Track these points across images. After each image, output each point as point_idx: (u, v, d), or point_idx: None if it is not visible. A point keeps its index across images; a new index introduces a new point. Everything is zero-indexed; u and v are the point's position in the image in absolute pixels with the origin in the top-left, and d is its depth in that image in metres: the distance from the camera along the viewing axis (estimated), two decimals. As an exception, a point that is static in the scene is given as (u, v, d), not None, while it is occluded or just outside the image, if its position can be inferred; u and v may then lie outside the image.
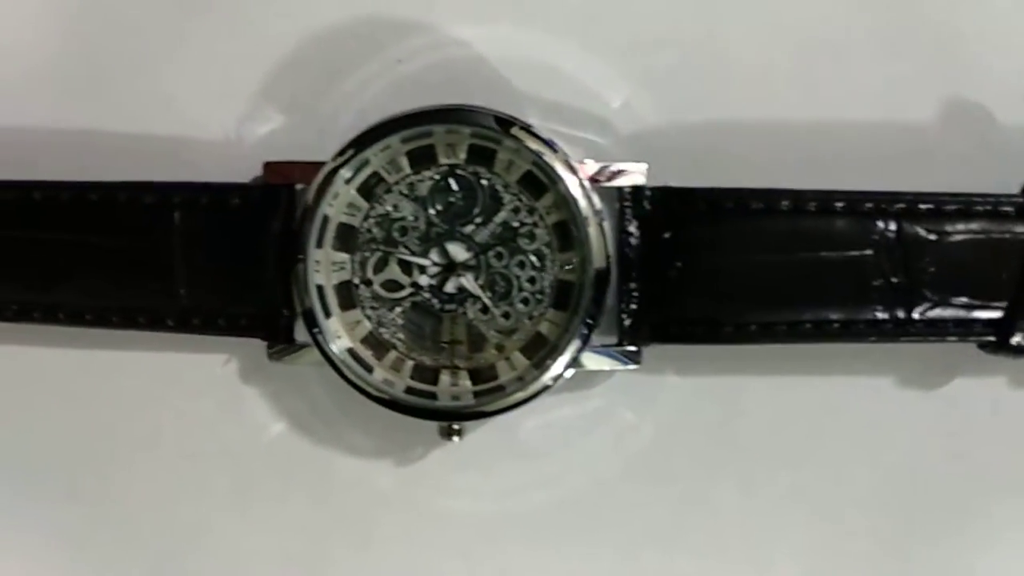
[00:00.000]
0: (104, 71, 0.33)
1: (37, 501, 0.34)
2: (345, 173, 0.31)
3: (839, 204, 0.31)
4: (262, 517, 0.34)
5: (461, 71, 0.33)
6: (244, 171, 0.32)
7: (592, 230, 0.30)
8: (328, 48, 0.33)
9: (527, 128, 0.30)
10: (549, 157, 0.30)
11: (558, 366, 0.31)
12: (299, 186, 0.31)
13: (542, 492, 0.34)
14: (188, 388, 0.34)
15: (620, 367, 0.32)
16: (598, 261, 0.31)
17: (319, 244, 0.31)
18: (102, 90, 0.33)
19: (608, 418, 0.34)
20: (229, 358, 0.34)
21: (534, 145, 0.30)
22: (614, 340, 0.32)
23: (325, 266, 0.31)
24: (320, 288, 0.31)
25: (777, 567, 0.34)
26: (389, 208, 0.31)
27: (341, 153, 0.31)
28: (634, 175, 0.31)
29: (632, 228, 0.31)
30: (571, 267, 0.31)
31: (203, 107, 0.33)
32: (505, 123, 0.30)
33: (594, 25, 0.33)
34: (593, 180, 0.31)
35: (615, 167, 0.31)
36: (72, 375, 0.34)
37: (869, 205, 0.31)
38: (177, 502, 0.34)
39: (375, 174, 0.31)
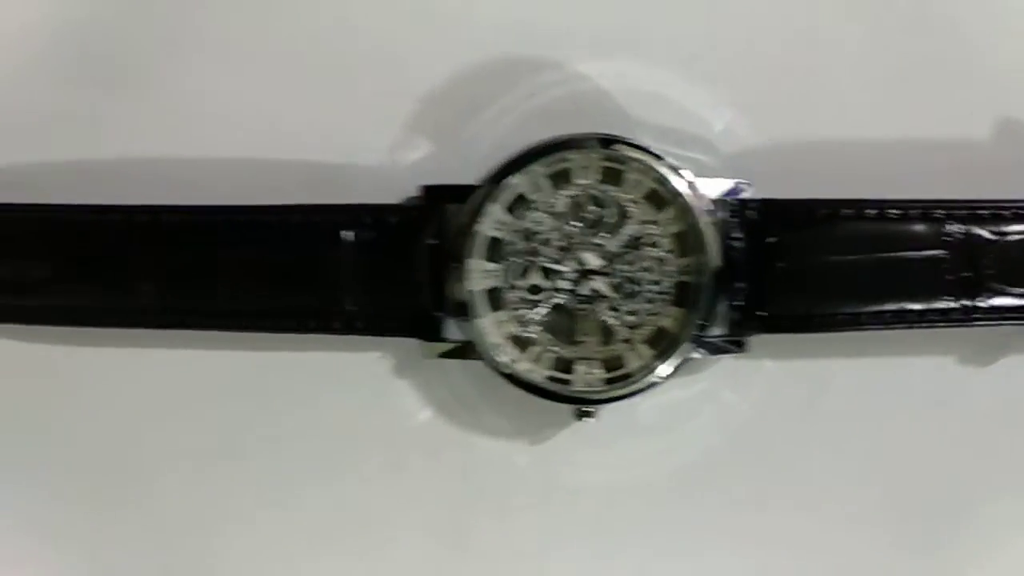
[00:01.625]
0: (277, 107, 0.38)
1: (220, 481, 0.39)
2: (495, 194, 0.36)
3: (916, 211, 0.36)
4: (411, 493, 0.39)
5: (584, 102, 0.38)
6: (396, 192, 0.37)
7: (708, 238, 0.36)
8: (469, 84, 0.38)
9: (651, 152, 0.35)
10: (671, 177, 0.35)
11: (678, 356, 0.36)
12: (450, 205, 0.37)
13: (658, 464, 0.39)
14: (346, 382, 0.39)
15: (727, 355, 0.37)
16: (714, 264, 0.36)
17: (471, 255, 0.36)
18: (274, 123, 0.38)
19: (713, 399, 0.39)
20: (382, 355, 0.39)
21: (658, 167, 0.35)
22: (723, 331, 0.37)
23: (476, 274, 0.36)
24: (471, 293, 0.36)
25: (862, 521, 0.39)
26: (532, 223, 0.36)
27: (492, 177, 0.35)
28: (739, 189, 0.36)
29: (739, 235, 0.36)
30: (689, 270, 0.36)
31: (359, 137, 0.38)
32: (634, 148, 0.35)
33: (698, 60, 0.38)
34: (706, 195, 0.36)
35: (724, 183, 0.36)
36: (248, 373, 0.39)
37: (941, 212, 0.36)
38: (337, 480, 0.39)
39: (520, 195, 0.36)
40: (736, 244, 0.36)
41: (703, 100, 0.38)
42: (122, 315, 0.37)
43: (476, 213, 0.36)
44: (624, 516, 0.39)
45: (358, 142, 0.38)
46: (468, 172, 0.37)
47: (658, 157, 0.35)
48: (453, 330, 0.37)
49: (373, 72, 0.38)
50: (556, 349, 0.37)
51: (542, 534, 0.39)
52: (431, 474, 0.39)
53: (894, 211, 0.36)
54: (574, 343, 0.37)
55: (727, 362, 0.38)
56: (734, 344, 0.37)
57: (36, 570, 0.39)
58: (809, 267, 0.36)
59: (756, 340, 0.37)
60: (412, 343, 0.37)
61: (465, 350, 0.37)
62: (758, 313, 0.37)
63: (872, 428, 0.39)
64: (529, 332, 0.37)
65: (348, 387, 0.39)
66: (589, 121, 0.37)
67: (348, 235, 0.36)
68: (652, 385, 0.36)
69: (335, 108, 0.38)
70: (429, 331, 0.37)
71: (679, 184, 0.36)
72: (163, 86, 0.38)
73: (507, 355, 0.36)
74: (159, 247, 0.36)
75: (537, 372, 0.36)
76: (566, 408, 0.37)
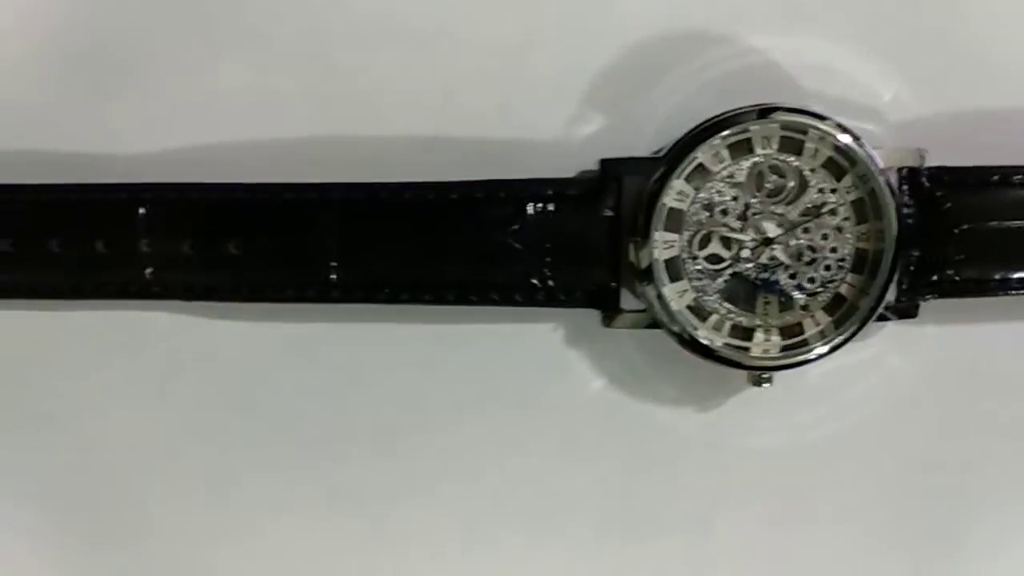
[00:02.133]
0: (454, 85, 0.39)
1: (403, 450, 0.40)
2: (678, 166, 0.36)
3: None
4: (585, 459, 0.40)
5: (757, 75, 0.39)
6: (572, 167, 0.38)
7: (886, 205, 0.36)
8: (642, 59, 0.39)
9: (830, 121, 0.36)
10: (850, 145, 0.36)
11: (855, 321, 0.37)
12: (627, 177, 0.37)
13: (828, 427, 0.40)
14: (522, 352, 0.40)
15: (900, 320, 0.38)
16: (892, 230, 0.36)
17: (654, 226, 0.37)
18: (449, 102, 0.39)
19: (880, 364, 0.40)
20: (556, 326, 0.40)
21: (838, 135, 0.36)
22: (897, 297, 0.38)
23: (658, 244, 0.37)
24: (654, 263, 0.37)
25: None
26: (712, 193, 0.37)
27: (674, 149, 0.36)
28: (913, 157, 0.37)
29: (912, 202, 0.37)
30: (866, 236, 0.37)
31: (534, 112, 0.39)
32: (813, 117, 0.36)
33: (868, 31, 0.39)
34: (881, 163, 0.37)
35: (898, 151, 0.37)
36: (426, 345, 0.40)
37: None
38: (515, 446, 0.40)
39: (700, 165, 0.37)
40: (910, 211, 0.37)
41: (872, 71, 0.39)
42: (317, 290, 0.38)
43: (658, 185, 0.36)
44: (792, 479, 0.40)
45: (532, 119, 0.39)
46: (641, 145, 0.38)
47: (838, 126, 0.36)
48: (629, 300, 0.38)
49: (549, 48, 0.39)
50: (735, 317, 0.38)
51: (712, 497, 0.40)
52: (602, 442, 0.40)
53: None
54: (752, 311, 0.38)
55: (893, 328, 0.39)
56: (907, 309, 0.38)
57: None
58: (982, 232, 0.37)
59: (925, 306, 0.38)
60: (584, 314, 0.39)
61: (642, 319, 0.38)
62: (933, 278, 0.37)
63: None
64: (708, 300, 0.38)
65: (524, 358, 0.40)
66: (760, 93, 0.37)
67: (530, 209, 0.37)
68: (828, 352, 0.37)
69: (511, 85, 0.39)
70: (607, 301, 0.38)
71: (857, 153, 0.36)
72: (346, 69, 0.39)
73: (688, 323, 0.37)
74: (351, 222, 0.37)
75: (716, 339, 0.37)
76: (736, 375, 0.38)
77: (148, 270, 0.38)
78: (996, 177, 0.37)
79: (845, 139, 0.36)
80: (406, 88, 0.39)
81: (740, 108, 0.36)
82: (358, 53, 0.39)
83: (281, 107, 0.39)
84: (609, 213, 0.37)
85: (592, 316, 0.38)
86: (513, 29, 0.39)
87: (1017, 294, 0.38)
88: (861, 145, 0.36)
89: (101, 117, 0.39)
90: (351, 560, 0.41)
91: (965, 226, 0.37)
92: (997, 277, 0.38)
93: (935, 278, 0.37)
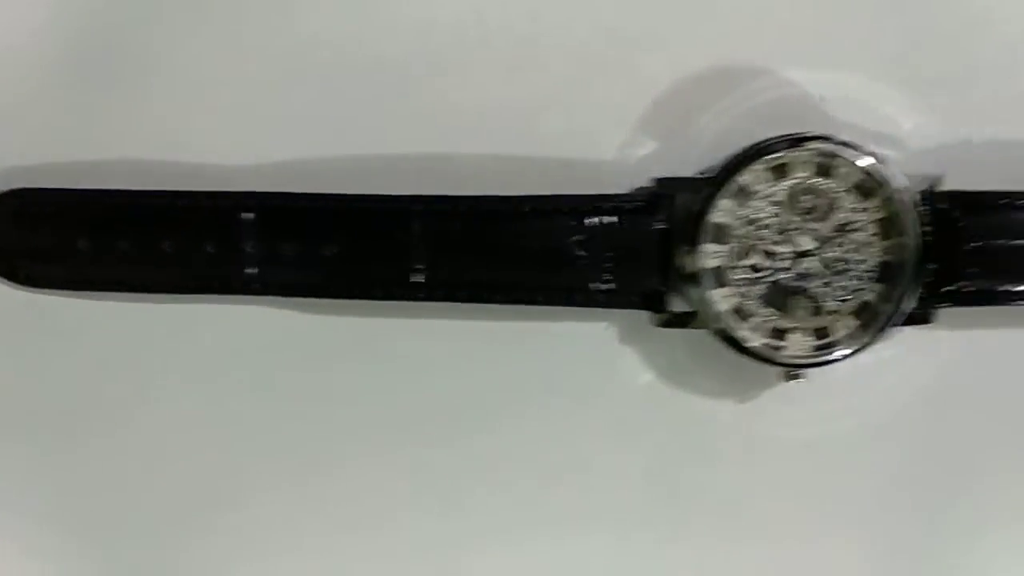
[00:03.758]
0: (525, 110, 0.44)
1: (467, 437, 0.45)
2: (726, 186, 0.41)
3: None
4: (630, 445, 0.45)
5: (792, 106, 0.43)
6: (626, 184, 0.43)
7: (908, 223, 0.41)
8: (691, 89, 0.43)
9: (859, 148, 0.41)
10: (878, 169, 0.41)
11: (878, 326, 0.42)
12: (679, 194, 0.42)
13: (852, 419, 0.45)
14: (578, 349, 0.45)
15: (917, 326, 0.43)
16: (914, 245, 0.41)
17: (703, 239, 0.42)
18: (525, 126, 0.44)
19: (899, 364, 0.44)
20: (608, 325, 0.45)
21: (865, 162, 0.41)
22: (915, 305, 0.42)
23: (706, 254, 0.42)
24: (702, 270, 0.42)
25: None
26: (754, 211, 0.42)
27: (723, 172, 0.41)
28: (932, 182, 0.42)
29: (930, 220, 0.42)
30: (891, 251, 0.42)
31: (595, 136, 0.44)
32: (844, 146, 0.41)
33: (894, 66, 0.44)
34: (904, 185, 0.41)
35: (918, 176, 0.42)
36: (487, 341, 0.45)
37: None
38: (568, 433, 0.45)
39: (743, 185, 0.42)
40: (928, 229, 0.42)
41: (893, 102, 0.44)
42: (403, 289, 0.42)
43: (707, 202, 0.41)
44: (818, 466, 0.45)
45: (593, 140, 0.44)
46: (688, 166, 0.43)
47: (867, 152, 0.41)
48: (676, 304, 0.43)
49: (607, 76, 0.44)
50: (772, 320, 0.42)
51: (747, 482, 0.45)
52: (650, 429, 0.45)
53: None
54: (788, 314, 0.42)
55: (912, 332, 0.43)
56: (923, 317, 0.42)
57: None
58: (991, 249, 0.42)
59: (941, 313, 0.43)
60: (634, 315, 0.43)
61: (689, 320, 0.43)
62: (946, 289, 0.42)
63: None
64: (749, 304, 0.42)
65: (578, 353, 0.45)
66: (796, 121, 0.42)
67: (591, 221, 0.42)
68: (855, 352, 0.42)
69: (573, 112, 0.44)
70: (657, 304, 0.43)
71: (883, 176, 0.41)
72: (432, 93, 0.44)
73: (731, 323, 0.42)
74: (434, 229, 0.42)
75: (755, 338, 0.42)
76: (772, 372, 0.43)
77: (250, 270, 0.43)
78: (1004, 201, 0.42)
79: (872, 164, 0.41)
80: (484, 108, 0.44)
81: (779, 136, 0.41)
82: (446, 73, 0.44)
83: (383, 125, 0.44)
84: (662, 226, 0.42)
85: (642, 317, 0.43)
86: (577, 57, 0.44)
87: (1022, 303, 0.43)
88: (886, 169, 0.41)
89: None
90: (426, 529, 0.45)
91: (976, 244, 0.42)
92: (1004, 289, 0.42)
93: (949, 289, 0.42)
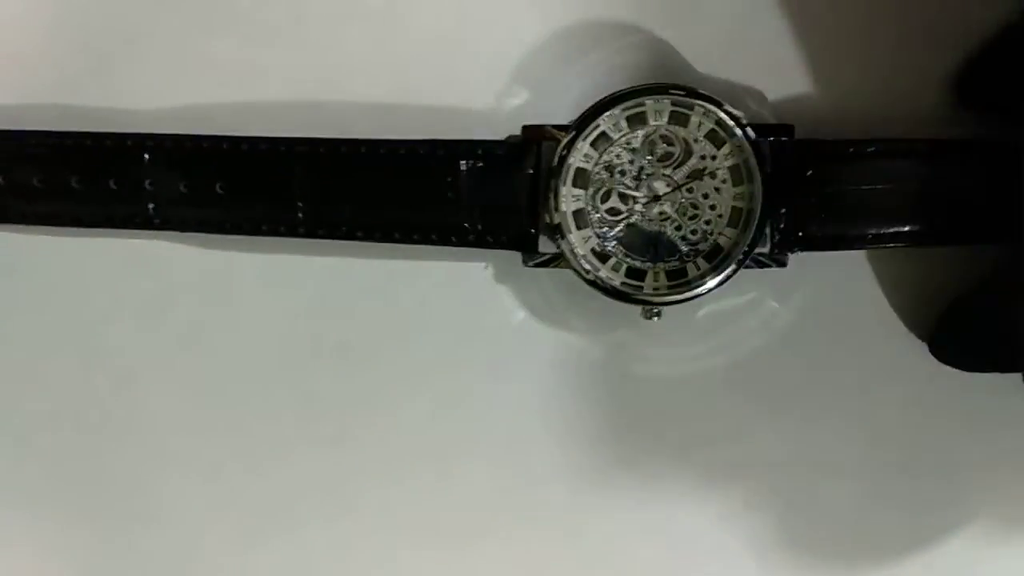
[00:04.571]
0: (406, 61, 0.47)
1: (355, 370, 0.48)
2: (583, 132, 0.44)
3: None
4: (509, 379, 0.48)
5: (657, 59, 0.46)
6: (502, 131, 0.46)
7: (757, 171, 0.44)
8: (563, 43, 0.46)
9: (712, 99, 0.43)
10: (728, 119, 0.43)
11: (730, 268, 0.44)
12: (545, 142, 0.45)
13: (715, 359, 0.47)
14: (459, 287, 0.48)
15: (771, 268, 0.45)
16: (761, 192, 0.44)
17: (563, 183, 0.44)
18: (405, 72, 0.47)
19: (760, 306, 0.47)
20: (487, 264, 0.48)
21: (718, 111, 0.43)
22: (767, 249, 0.45)
23: (566, 198, 0.44)
24: (562, 214, 0.44)
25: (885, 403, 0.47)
26: (612, 156, 0.45)
27: (582, 119, 0.44)
28: (782, 131, 0.44)
29: (780, 169, 0.44)
30: (741, 197, 0.44)
31: (473, 86, 0.47)
32: (698, 95, 0.43)
33: (752, 25, 0.46)
34: (755, 136, 0.44)
35: (770, 127, 0.44)
36: (379, 279, 0.48)
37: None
38: (452, 367, 0.48)
39: (603, 132, 0.44)
40: (779, 176, 0.44)
41: (753, 59, 0.46)
42: (287, 227, 0.46)
43: (567, 148, 0.44)
44: (682, 403, 0.48)
45: (472, 90, 0.47)
46: (560, 115, 0.45)
47: (718, 103, 0.43)
48: (546, 245, 0.45)
49: (484, 33, 0.47)
50: (629, 260, 0.45)
51: (616, 417, 0.48)
52: (525, 365, 0.48)
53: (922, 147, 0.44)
54: (645, 256, 0.45)
55: (771, 276, 0.46)
56: (777, 260, 0.45)
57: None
58: (840, 196, 0.44)
59: (795, 257, 0.45)
60: (511, 255, 0.46)
61: (556, 261, 0.45)
62: (799, 234, 0.44)
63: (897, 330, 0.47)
64: (608, 246, 0.45)
65: (459, 291, 0.48)
66: (661, 74, 0.45)
67: (465, 165, 0.45)
68: (708, 291, 0.44)
69: (458, 64, 0.47)
70: (527, 245, 0.45)
71: (735, 126, 0.44)
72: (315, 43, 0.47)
73: (590, 264, 0.45)
74: (315, 171, 0.45)
75: (615, 278, 0.45)
76: (636, 310, 0.45)
77: (150, 205, 0.46)
78: (851, 149, 0.44)
79: (724, 115, 0.43)
80: (367, 62, 0.47)
81: (637, 85, 0.44)
82: (329, 32, 0.47)
83: (265, 75, 0.47)
84: (530, 171, 0.45)
85: (516, 257, 0.46)
86: (455, 17, 0.47)
87: (872, 247, 0.45)
88: (737, 120, 0.44)
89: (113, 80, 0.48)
90: (318, 456, 0.49)
91: (826, 190, 0.44)
92: (853, 233, 0.45)
93: (800, 234, 0.44)
